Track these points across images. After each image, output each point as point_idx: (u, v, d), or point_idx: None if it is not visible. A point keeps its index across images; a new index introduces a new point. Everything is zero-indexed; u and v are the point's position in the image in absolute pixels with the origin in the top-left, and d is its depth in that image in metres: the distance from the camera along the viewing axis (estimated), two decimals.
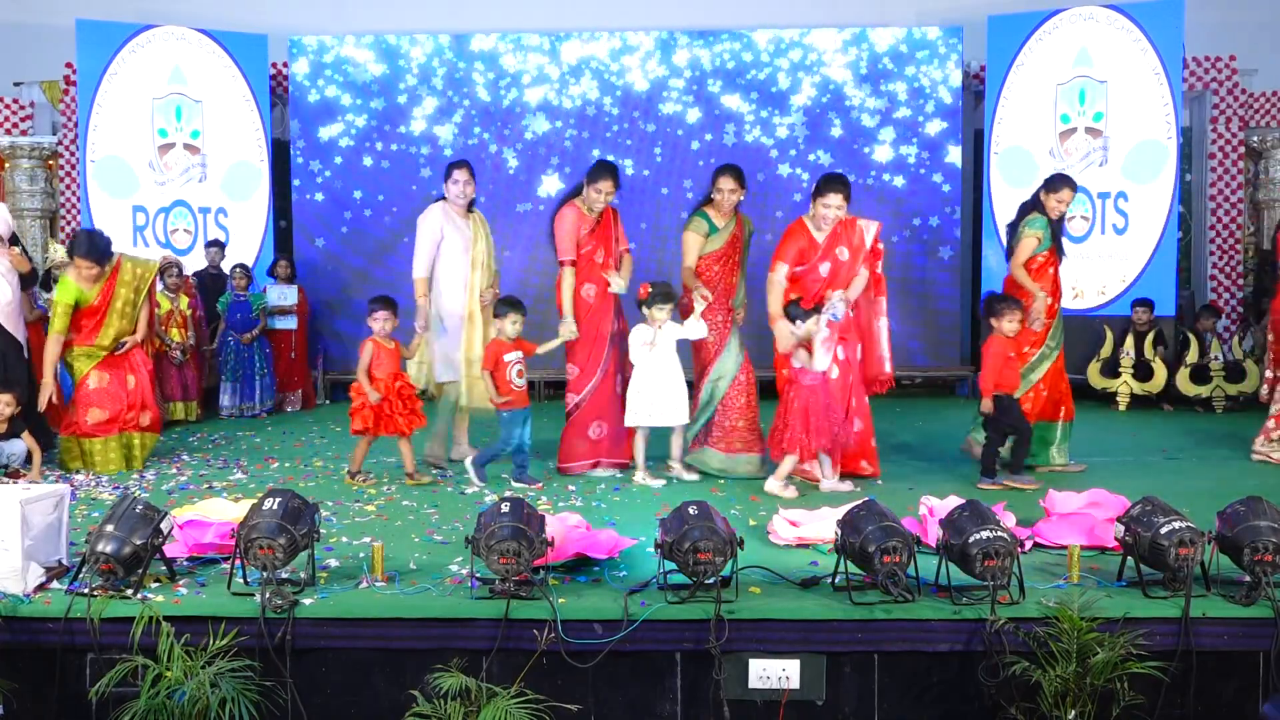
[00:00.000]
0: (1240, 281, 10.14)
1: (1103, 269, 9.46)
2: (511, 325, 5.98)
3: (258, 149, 9.91)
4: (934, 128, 10.07)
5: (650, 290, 5.96)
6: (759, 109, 10.15)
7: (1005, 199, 9.60)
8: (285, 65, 10.25)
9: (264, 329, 9.18)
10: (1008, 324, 5.87)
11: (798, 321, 5.71)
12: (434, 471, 6.31)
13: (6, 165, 10.35)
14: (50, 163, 10.34)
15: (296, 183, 10.21)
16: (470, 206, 6.65)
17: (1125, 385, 9.09)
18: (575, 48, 10.17)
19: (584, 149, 10.18)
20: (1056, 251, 6.28)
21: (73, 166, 10.02)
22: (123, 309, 6.50)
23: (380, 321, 6.06)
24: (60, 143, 10.16)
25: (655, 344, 5.90)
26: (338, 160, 10.20)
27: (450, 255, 6.47)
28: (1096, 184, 9.36)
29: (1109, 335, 9.24)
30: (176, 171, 9.76)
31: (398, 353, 6.15)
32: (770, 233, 10.05)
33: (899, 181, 10.10)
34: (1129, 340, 9.13)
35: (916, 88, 10.06)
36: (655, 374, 5.92)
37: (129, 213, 9.69)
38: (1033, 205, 6.29)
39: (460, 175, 6.54)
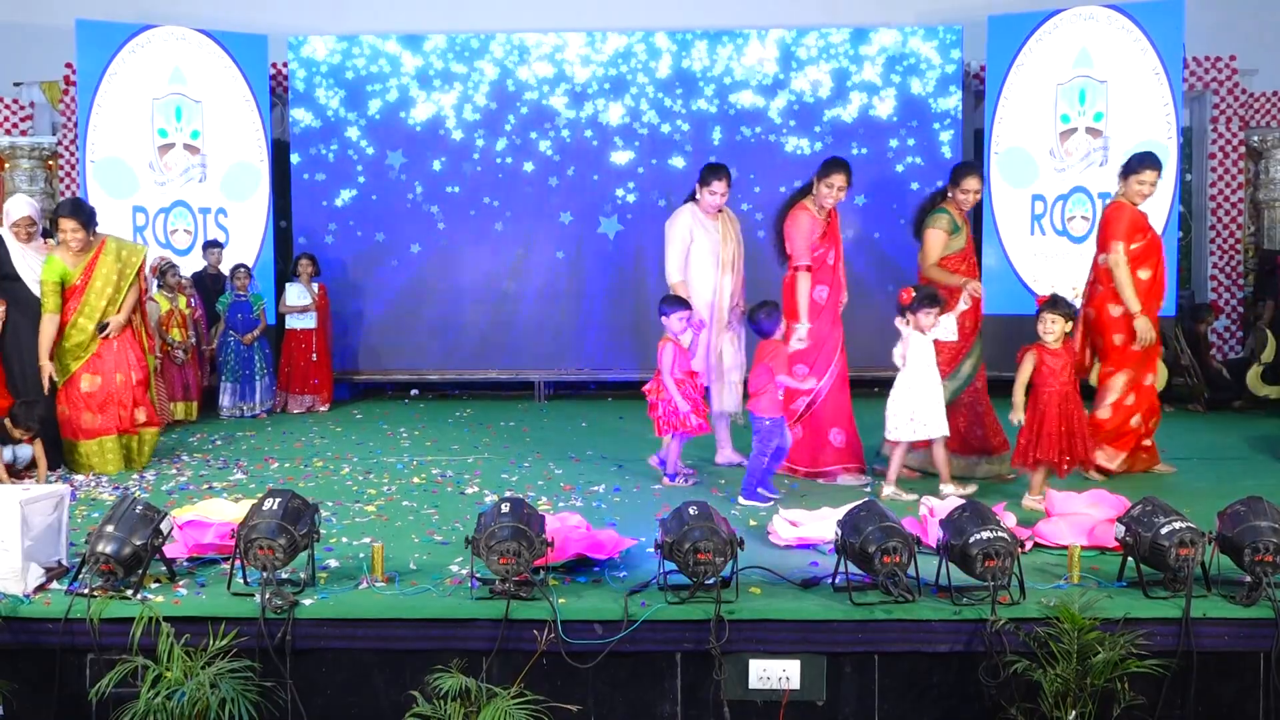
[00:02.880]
0: (1240, 281, 10.13)
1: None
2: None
3: (258, 149, 9.91)
4: (934, 128, 10.06)
5: (915, 294, 5.66)
6: (756, 109, 10.13)
7: (1005, 199, 9.60)
8: (285, 65, 10.25)
9: (264, 329, 9.19)
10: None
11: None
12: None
13: (6, 165, 10.34)
14: (50, 163, 10.34)
15: (312, 175, 10.22)
16: (720, 207, 6.50)
17: None
18: (579, 47, 10.17)
19: (585, 152, 10.18)
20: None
21: (72, 167, 10.02)
22: (102, 289, 6.45)
23: (681, 322, 5.90)
24: (60, 143, 10.16)
25: (905, 356, 5.65)
26: (338, 161, 10.20)
27: (699, 257, 6.34)
28: (1097, 184, 9.35)
29: None
30: (176, 172, 9.75)
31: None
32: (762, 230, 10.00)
33: (897, 183, 10.09)
34: None
35: (916, 87, 10.06)
36: (917, 384, 5.59)
37: (129, 213, 9.68)
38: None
39: (719, 187, 6.35)
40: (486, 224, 10.25)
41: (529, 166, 10.21)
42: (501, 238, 10.27)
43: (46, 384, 6.37)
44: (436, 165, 10.20)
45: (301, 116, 10.16)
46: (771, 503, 5.37)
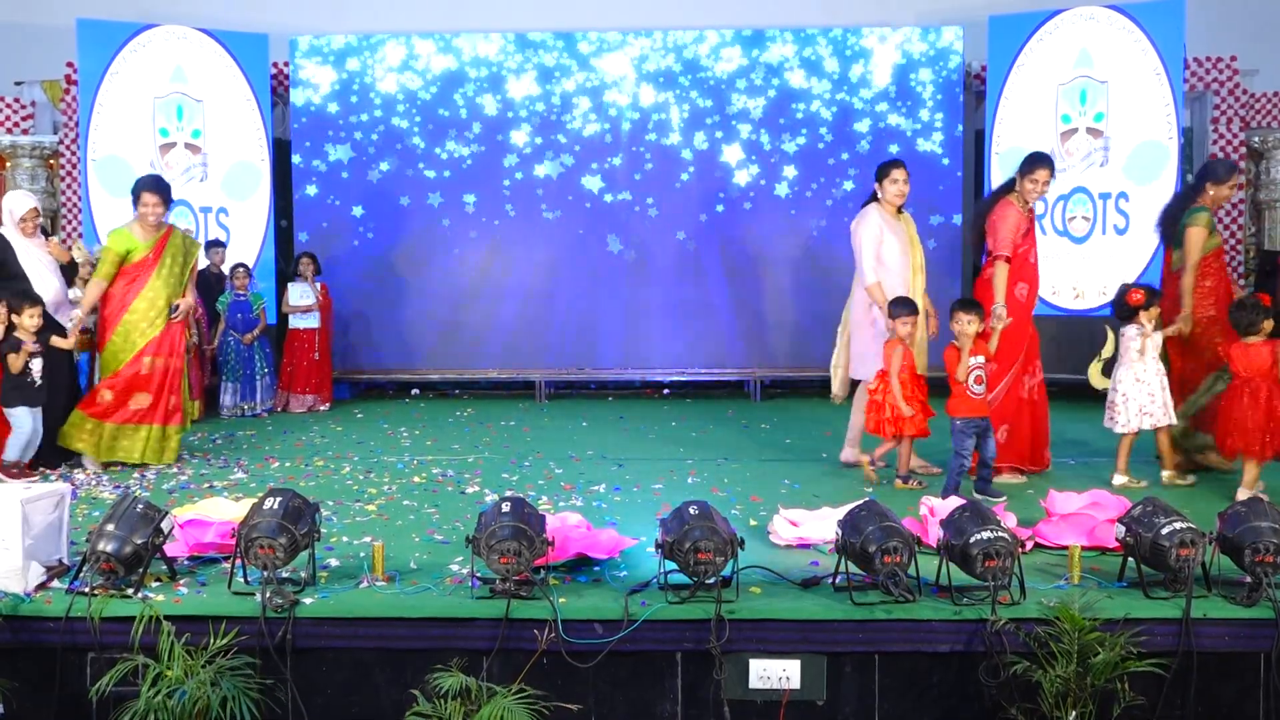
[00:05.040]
0: (1241, 282, 10.12)
1: (1104, 269, 9.44)
2: (958, 325, 5.58)
3: (259, 148, 9.91)
4: (935, 128, 10.06)
5: (1145, 295, 5.87)
6: (757, 110, 10.14)
7: None
8: (286, 65, 10.25)
9: (264, 329, 9.19)
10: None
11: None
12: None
13: (7, 165, 10.34)
14: (51, 162, 10.33)
15: (313, 174, 10.22)
16: (900, 209, 6.41)
17: None
18: (582, 47, 10.17)
19: (583, 154, 10.19)
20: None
21: (74, 166, 10.01)
22: (170, 270, 6.50)
23: (908, 325, 5.90)
24: (61, 142, 10.15)
25: (1146, 350, 5.86)
26: (338, 160, 10.20)
27: (891, 258, 6.24)
28: (1098, 184, 9.35)
29: (1110, 335, 9.20)
30: (177, 171, 9.75)
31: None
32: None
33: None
34: None
35: (917, 88, 10.06)
36: (1146, 378, 5.86)
37: (130, 212, 9.67)
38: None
39: (899, 174, 6.29)
40: (489, 224, 10.25)
41: (534, 167, 10.21)
42: (502, 237, 10.27)
43: (72, 338, 6.33)
44: (437, 165, 10.20)
45: (303, 115, 10.17)
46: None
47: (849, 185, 10.14)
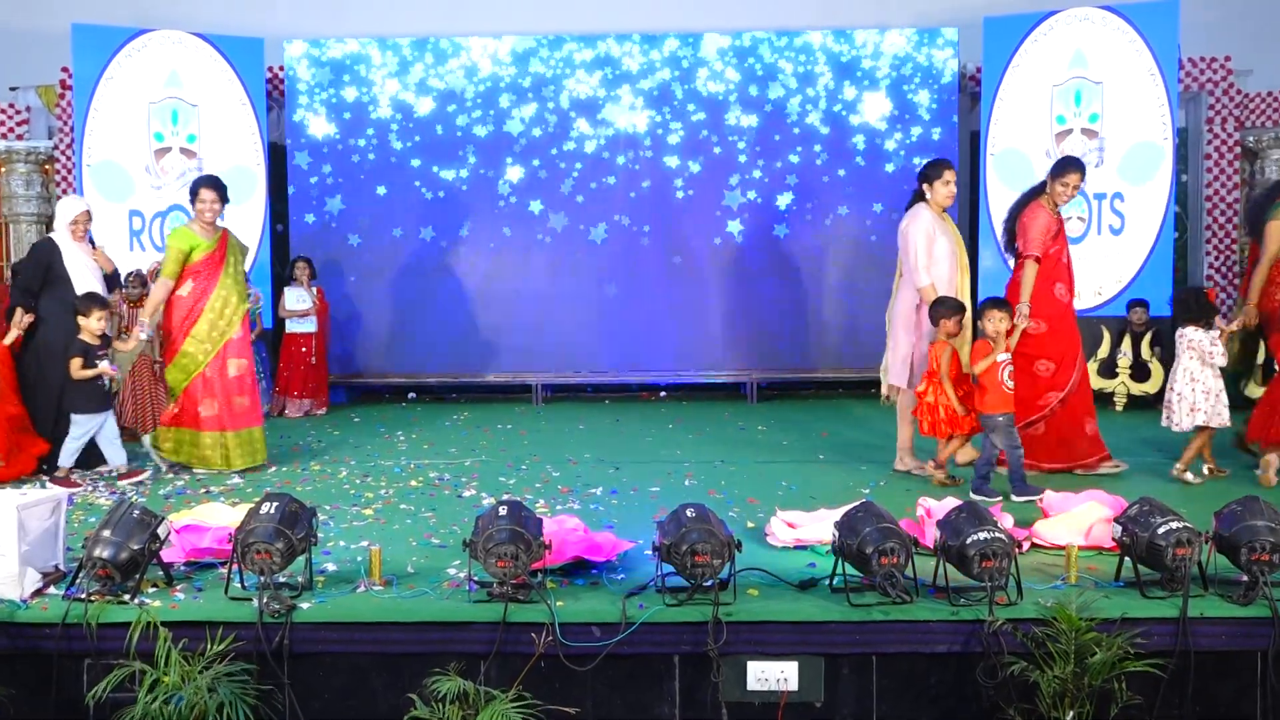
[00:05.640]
0: (1236, 282, 10.14)
1: (1099, 269, 9.46)
2: (991, 324, 5.68)
3: (254, 153, 9.91)
4: (930, 129, 10.08)
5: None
6: (753, 112, 10.15)
7: (1002, 201, 9.58)
8: (282, 69, 10.25)
9: (260, 333, 9.18)
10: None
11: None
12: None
13: (2, 170, 10.32)
14: (46, 167, 10.32)
15: (308, 179, 10.22)
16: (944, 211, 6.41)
17: (1122, 386, 9.12)
18: (581, 51, 10.17)
19: (580, 156, 10.19)
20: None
21: (69, 171, 10.01)
22: (235, 275, 6.54)
23: (956, 324, 5.91)
24: (56, 147, 10.15)
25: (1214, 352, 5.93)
26: (334, 165, 10.20)
27: (940, 259, 6.19)
28: (1093, 185, 9.36)
29: (1106, 336, 9.25)
30: (173, 176, 9.74)
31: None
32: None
33: (893, 185, 10.11)
34: (1126, 341, 9.15)
35: (912, 89, 10.08)
36: (1201, 376, 5.94)
37: (125, 217, 9.69)
38: None
39: (951, 175, 6.28)
40: (484, 227, 10.26)
41: (530, 171, 10.21)
42: (498, 241, 10.27)
43: (133, 344, 6.42)
44: (434, 169, 10.20)
45: (298, 120, 10.17)
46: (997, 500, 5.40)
47: (843, 188, 10.15)
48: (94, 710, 3.59)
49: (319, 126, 10.18)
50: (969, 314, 6.15)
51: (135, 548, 3.79)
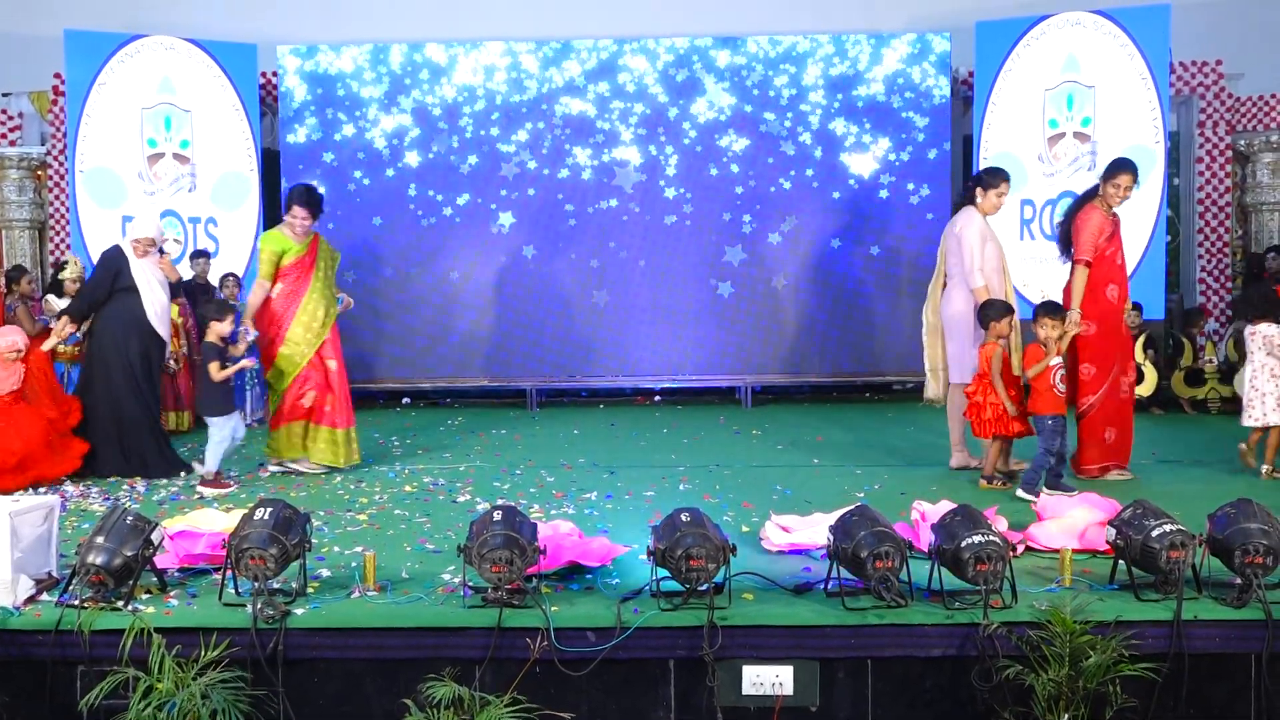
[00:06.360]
0: (1229, 285, 10.18)
1: None
2: (1044, 330, 5.78)
3: (247, 158, 9.90)
4: (923, 133, 10.10)
5: None
6: (746, 117, 10.16)
7: None
8: (274, 75, 10.25)
9: (257, 339, 9.14)
10: None
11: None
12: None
13: None
14: (39, 173, 10.30)
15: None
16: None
17: None
18: (569, 52, 10.18)
19: (578, 167, 10.20)
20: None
21: (61, 177, 9.99)
22: (325, 279, 6.64)
23: (1005, 327, 5.97)
24: (49, 153, 10.13)
25: None
26: (327, 169, 10.19)
27: (990, 262, 6.29)
28: (1085, 188, 9.37)
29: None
30: (166, 181, 9.74)
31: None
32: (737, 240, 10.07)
33: (887, 187, 10.13)
34: None
35: (905, 93, 10.10)
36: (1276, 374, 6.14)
37: (118, 223, 9.65)
38: None
39: (1005, 189, 6.40)
40: (477, 232, 10.26)
41: (524, 176, 10.22)
42: (492, 246, 10.27)
43: (248, 342, 6.46)
44: (426, 175, 10.20)
45: (291, 126, 10.16)
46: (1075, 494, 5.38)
47: (835, 193, 10.16)
48: (87, 717, 3.57)
49: (313, 131, 10.17)
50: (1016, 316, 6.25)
51: (129, 554, 3.78)
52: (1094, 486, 5.71)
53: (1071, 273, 6.16)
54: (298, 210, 6.54)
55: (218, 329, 6.23)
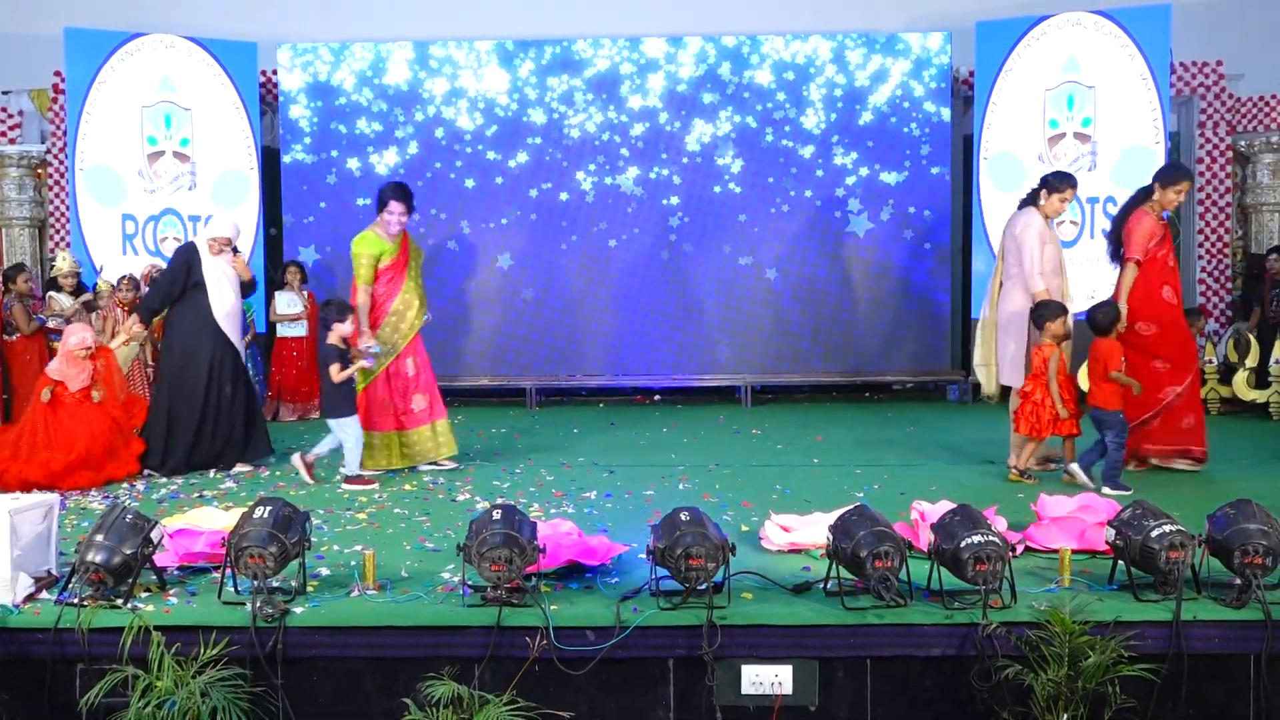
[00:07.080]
0: (1229, 285, 10.18)
1: (1092, 273, 9.46)
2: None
3: (247, 157, 9.90)
4: (923, 133, 10.10)
5: None
6: (747, 115, 10.16)
7: (995, 204, 9.63)
8: (275, 73, 10.24)
9: (254, 337, 9.16)
10: None
11: None
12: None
13: None
14: (39, 171, 10.30)
15: (301, 182, 10.20)
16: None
17: None
18: (573, 54, 10.18)
19: (575, 162, 10.20)
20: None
21: (61, 175, 9.99)
22: (415, 277, 6.62)
23: (1061, 327, 6.02)
24: (49, 151, 10.13)
25: None
26: (326, 168, 10.19)
27: (1049, 264, 6.34)
28: (1085, 189, 9.37)
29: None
30: (166, 180, 9.74)
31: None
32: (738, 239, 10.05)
33: (889, 185, 10.13)
34: None
35: (905, 93, 10.10)
36: None
37: (118, 221, 9.67)
38: None
39: (1070, 194, 6.45)
40: (479, 232, 10.26)
41: (523, 176, 10.22)
42: (492, 245, 10.27)
43: (374, 354, 6.44)
44: (427, 173, 10.20)
45: (291, 124, 10.16)
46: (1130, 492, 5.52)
47: (837, 191, 10.17)
48: (87, 715, 3.58)
49: (313, 130, 10.17)
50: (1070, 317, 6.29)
51: (128, 552, 3.78)
52: (1155, 473, 5.94)
53: (1121, 270, 6.25)
54: (394, 206, 6.45)
55: (340, 330, 6.22)
